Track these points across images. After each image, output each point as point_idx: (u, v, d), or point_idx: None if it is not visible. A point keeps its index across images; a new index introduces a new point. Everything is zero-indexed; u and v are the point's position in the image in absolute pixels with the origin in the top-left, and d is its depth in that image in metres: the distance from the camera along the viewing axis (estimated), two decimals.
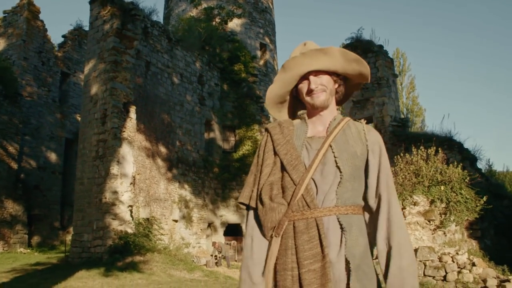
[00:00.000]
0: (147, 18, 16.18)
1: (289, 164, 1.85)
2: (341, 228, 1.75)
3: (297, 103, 2.10)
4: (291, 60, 1.92)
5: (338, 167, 1.80)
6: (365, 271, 1.72)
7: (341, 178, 1.79)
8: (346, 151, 1.83)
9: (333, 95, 1.98)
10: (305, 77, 1.94)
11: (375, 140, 1.91)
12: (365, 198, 1.89)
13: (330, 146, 1.84)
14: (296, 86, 1.99)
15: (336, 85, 1.98)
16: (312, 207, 1.76)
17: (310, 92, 1.92)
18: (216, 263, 15.80)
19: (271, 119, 22.88)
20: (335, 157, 1.82)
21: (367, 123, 2.06)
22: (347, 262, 1.70)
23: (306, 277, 1.68)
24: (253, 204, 1.91)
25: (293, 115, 2.15)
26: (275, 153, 1.92)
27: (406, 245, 1.78)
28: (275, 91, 2.03)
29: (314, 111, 1.97)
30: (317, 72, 1.92)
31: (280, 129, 1.97)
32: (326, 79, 1.93)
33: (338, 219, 1.75)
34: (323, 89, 1.91)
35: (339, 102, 2.08)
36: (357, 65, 1.92)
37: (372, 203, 1.87)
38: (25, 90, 20.12)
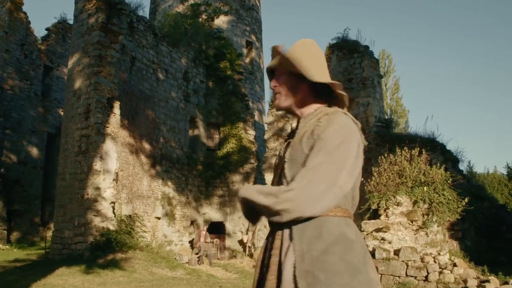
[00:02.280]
0: (133, 12, 16.00)
1: (275, 163, 1.99)
2: (290, 233, 1.72)
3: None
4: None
5: (284, 172, 1.80)
6: (319, 278, 1.60)
7: (286, 182, 1.76)
8: (296, 152, 1.78)
9: (294, 94, 1.90)
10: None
11: (317, 134, 1.72)
12: None
13: (287, 150, 1.84)
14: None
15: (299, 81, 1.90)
16: None
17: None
18: (198, 261, 15.71)
19: (255, 117, 22.89)
20: (284, 161, 1.81)
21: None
22: (295, 266, 1.65)
23: (269, 269, 1.78)
24: None
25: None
26: None
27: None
28: None
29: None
30: (279, 71, 1.95)
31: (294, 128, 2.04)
32: (283, 78, 1.92)
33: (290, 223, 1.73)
34: (277, 91, 1.93)
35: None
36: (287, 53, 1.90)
37: None
38: (6, 83, 19.76)
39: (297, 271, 1.63)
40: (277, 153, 2.00)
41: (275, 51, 1.92)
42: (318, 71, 1.85)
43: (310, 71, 1.82)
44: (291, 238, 1.70)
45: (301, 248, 1.66)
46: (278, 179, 1.86)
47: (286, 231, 1.73)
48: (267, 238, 1.87)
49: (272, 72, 2.00)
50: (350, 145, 1.69)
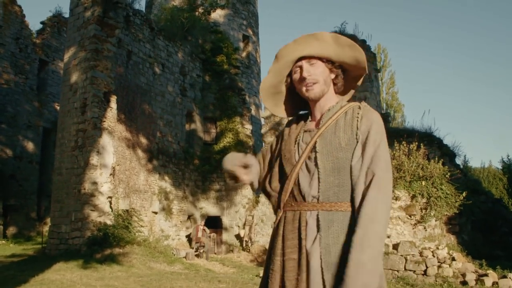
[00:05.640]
0: (129, 6, 15.90)
1: (284, 157, 1.90)
2: (318, 225, 1.73)
3: (296, 98, 2.03)
4: (283, 48, 1.88)
5: (316, 163, 1.79)
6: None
7: (319, 173, 1.77)
8: (331, 143, 1.79)
9: (329, 84, 1.91)
10: (298, 65, 1.89)
11: (365, 128, 1.77)
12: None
13: (316, 140, 1.82)
14: (291, 76, 1.94)
15: (333, 75, 1.92)
16: (299, 200, 1.80)
17: (302, 80, 1.87)
18: (197, 255, 15.71)
19: (252, 111, 22.84)
20: (316, 152, 1.79)
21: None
22: (321, 259, 1.69)
23: (286, 265, 1.76)
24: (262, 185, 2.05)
25: (292, 110, 2.09)
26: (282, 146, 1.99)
27: (372, 238, 1.60)
28: (269, 80, 1.98)
29: (310, 102, 1.94)
30: (310, 59, 1.87)
31: (296, 121, 2.02)
32: (319, 67, 1.87)
33: (317, 215, 1.74)
34: (314, 81, 1.86)
35: (342, 93, 2.02)
36: (351, 50, 1.86)
37: (353, 195, 1.73)
38: (1, 77, 19.61)
39: (323, 263, 1.68)
40: (289, 139, 1.95)
41: (310, 38, 1.86)
42: None
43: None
44: (318, 230, 1.73)
45: (327, 241, 1.70)
46: (308, 167, 1.82)
47: (312, 222, 1.76)
48: (279, 224, 1.87)
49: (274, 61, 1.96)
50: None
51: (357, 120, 1.79)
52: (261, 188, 2.02)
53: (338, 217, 1.72)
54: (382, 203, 1.65)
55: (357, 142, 1.76)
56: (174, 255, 14.09)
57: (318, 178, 1.77)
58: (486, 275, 7.97)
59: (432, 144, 14.70)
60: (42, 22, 22.57)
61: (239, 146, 19.13)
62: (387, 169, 1.71)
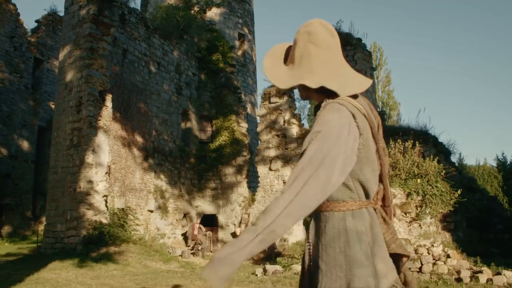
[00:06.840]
0: (125, 4, 15.86)
1: None
2: (310, 225, 1.92)
3: None
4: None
5: None
6: (321, 268, 1.74)
7: None
8: None
9: (307, 91, 1.89)
10: None
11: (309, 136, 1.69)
12: None
13: None
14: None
15: None
16: None
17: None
18: (193, 253, 15.72)
19: (248, 110, 22.83)
20: None
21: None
22: (310, 254, 1.88)
23: None
24: None
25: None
26: None
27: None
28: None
29: None
30: None
31: None
32: None
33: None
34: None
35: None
36: None
37: None
38: None
39: (311, 260, 1.84)
40: None
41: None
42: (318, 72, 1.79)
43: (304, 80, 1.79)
44: (308, 230, 1.92)
45: (311, 240, 1.85)
46: None
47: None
48: None
49: None
50: (334, 145, 1.64)
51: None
52: None
53: (318, 219, 1.84)
54: (284, 197, 1.60)
55: None
56: (170, 253, 14.10)
57: None
58: (480, 272, 8.00)
59: (428, 142, 14.73)
60: (37, 21, 22.48)
61: (235, 144, 19.14)
62: (306, 164, 1.63)
